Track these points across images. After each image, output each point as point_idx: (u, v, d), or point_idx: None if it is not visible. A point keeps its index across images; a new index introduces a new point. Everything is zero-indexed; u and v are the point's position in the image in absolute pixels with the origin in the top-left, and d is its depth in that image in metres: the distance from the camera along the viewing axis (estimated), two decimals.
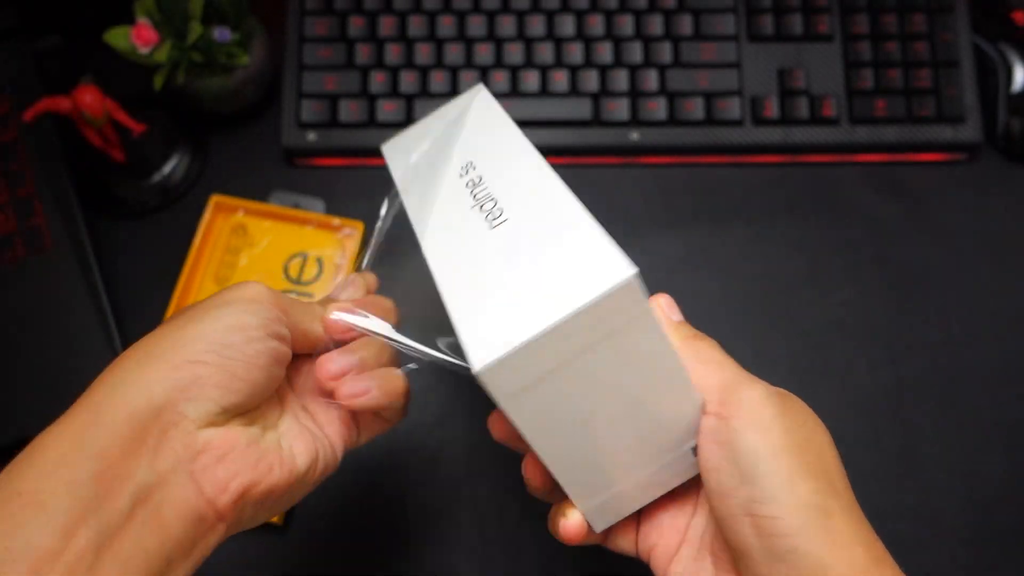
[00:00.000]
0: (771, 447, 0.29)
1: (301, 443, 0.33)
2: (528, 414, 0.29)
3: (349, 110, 0.58)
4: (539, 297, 0.28)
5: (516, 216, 0.32)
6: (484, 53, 0.59)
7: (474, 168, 0.36)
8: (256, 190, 0.58)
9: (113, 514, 0.26)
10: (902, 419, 0.53)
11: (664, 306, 0.34)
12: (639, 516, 0.36)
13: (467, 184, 0.35)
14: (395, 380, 0.35)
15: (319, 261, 0.56)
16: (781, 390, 0.32)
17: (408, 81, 0.58)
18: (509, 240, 0.31)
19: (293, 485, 0.32)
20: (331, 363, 0.33)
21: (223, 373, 0.28)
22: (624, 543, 0.36)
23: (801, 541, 0.27)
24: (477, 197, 0.34)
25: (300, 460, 0.32)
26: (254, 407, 0.31)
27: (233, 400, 0.29)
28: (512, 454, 0.37)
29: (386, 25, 0.59)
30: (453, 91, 0.58)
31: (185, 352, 0.28)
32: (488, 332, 0.28)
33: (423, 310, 0.55)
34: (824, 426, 0.32)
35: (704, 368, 0.31)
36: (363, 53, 0.59)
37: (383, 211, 0.41)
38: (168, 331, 0.29)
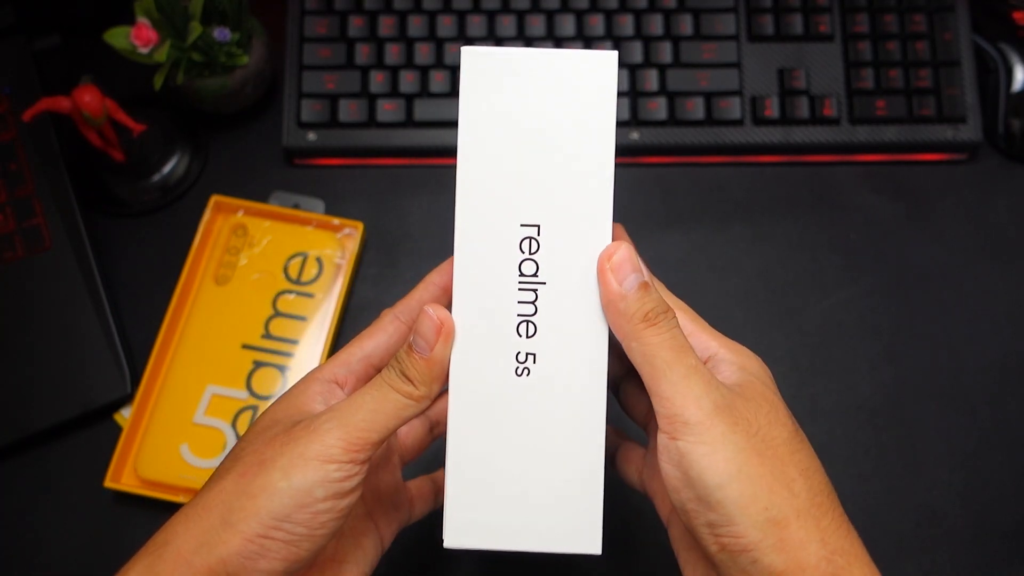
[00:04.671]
0: (720, 475, 0.30)
1: (355, 566, 0.37)
2: None
3: (349, 110, 0.58)
4: (523, 514, 0.33)
5: (545, 363, 0.33)
6: None
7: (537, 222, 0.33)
8: (256, 190, 0.58)
9: None
10: (902, 419, 0.53)
11: (615, 265, 0.32)
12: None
13: (521, 244, 0.33)
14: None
15: (319, 261, 0.56)
16: (729, 386, 0.32)
17: (408, 81, 0.58)
18: (526, 410, 0.33)
19: None
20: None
21: (289, 548, 0.31)
22: (630, 474, 0.39)
23: (759, 554, 0.29)
24: (523, 284, 0.33)
25: None
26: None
27: (297, 563, 0.32)
28: None
29: (386, 25, 0.59)
30: (453, 91, 0.58)
31: (257, 525, 0.31)
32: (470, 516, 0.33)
33: None
34: (782, 409, 0.32)
35: (650, 372, 0.31)
36: (363, 53, 0.59)
37: None
38: (242, 492, 0.31)
